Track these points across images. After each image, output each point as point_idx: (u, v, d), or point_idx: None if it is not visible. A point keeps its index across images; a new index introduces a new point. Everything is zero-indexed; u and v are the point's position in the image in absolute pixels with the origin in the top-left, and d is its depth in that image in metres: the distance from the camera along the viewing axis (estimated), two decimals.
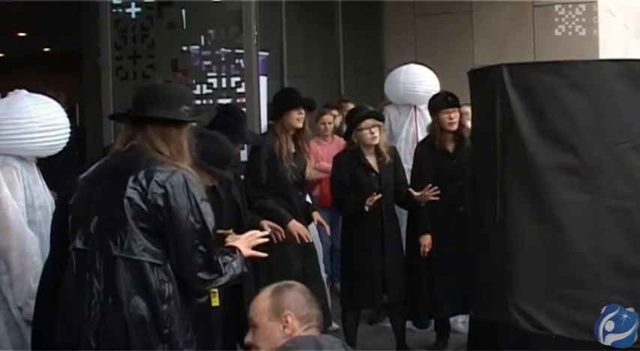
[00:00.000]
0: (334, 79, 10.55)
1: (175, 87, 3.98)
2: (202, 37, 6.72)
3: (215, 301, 4.24)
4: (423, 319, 6.52)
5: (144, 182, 3.38)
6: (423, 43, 11.09)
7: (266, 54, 7.79)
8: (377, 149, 6.22)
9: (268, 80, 7.75)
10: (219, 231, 4.11)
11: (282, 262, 5.53)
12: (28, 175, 4.36)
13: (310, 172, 5.94)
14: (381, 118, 6.40)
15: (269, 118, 6.31)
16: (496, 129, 4.68)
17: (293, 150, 5.80)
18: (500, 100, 4.65)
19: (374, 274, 6.15)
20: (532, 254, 4.56)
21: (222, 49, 6.69)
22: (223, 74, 6.64)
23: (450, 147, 6.41)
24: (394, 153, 6.39)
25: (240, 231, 4.14)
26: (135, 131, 3.55)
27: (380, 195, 5.99)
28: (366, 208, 5.94)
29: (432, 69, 7.92)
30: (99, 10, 6.88)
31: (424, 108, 7.51)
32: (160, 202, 3.37)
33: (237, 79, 6.60)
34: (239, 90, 6.58)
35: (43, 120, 4.37)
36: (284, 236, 5.51)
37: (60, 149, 4.57)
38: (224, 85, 6.63)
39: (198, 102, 6.65)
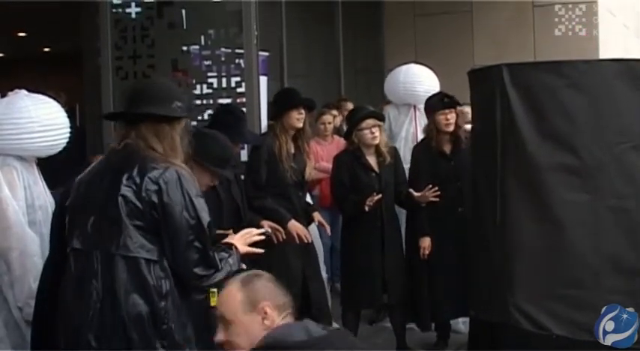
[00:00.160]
0: (334, 79, 10.55)
1: (166, 84, 3.98)
2: (202, 37, 6.71)
3: (214, 301, 4.24)
4: (425, 320, 6.52)
5: (137, 179, 3.40)
6: (423, 43, 11.09)
7: (266, 54, 7.79)
8: (377, 149, 6.22)
9: (268, 80, 7.75)
10: (219, 231, 4.12)
11: (281, 262, 5.53)
12: (28, 176, 4.36)
13: (310, 173, 5.94)
14: (381, 118, 6.40)
15: (269, 118, 6.31)
16: (496, 129, 4.68)
17: (293, 150, 5.80)
18: (500, 100, 4.65)
19: (374, 274, 6.14)
20: (532, 254, 4.56)
21: (223, 49, 6.69)
22: (223, 74, 6.63)
23: (447, 148, 6.40)
24: (395, 153, 6.39)
25: (240, 231, 4.14)
26: (129, 130, 3.57)
27: (380, 195, 5.99)
28: (366, 208, 5.94)
29: (432, 69, 7.92)
30: (99, 10, 6.87)
31: (424, 108, 7.52)
32: (154, 198, 3.39)
33: (238, 79, 6.59)
34: (239, 90, 6.57)
35: (42, 120, 4.37)
36: (284, 236, 5.51)
37: (60, 149, 4.57)
38: (224, 85, 6.63)
39: (198, 102, 6.66)
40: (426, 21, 11.31)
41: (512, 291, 4.57)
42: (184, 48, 6.76)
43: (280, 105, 5.84)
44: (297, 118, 5.73)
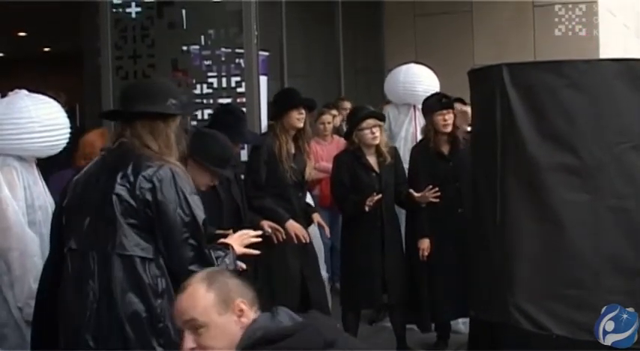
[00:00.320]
0: (334, 79, 10.55)
1: (161, 82, 3.99)
2: (202, 37, 6.71)
3: None
4: (425, 321, 6.52)
5: (131, 178, 3.41)
6: (423, 43, 11.10)
7: (266, 54, 7.79)
8: (378, 149, 6.21)
9: (268, 80, 7.75)
10: (219, 231, 4.12)
11: (280, 262, 5.54)
12: (27, 176, 4.35)
13: (310, 173, 5.93)
14: (382, 118, 6.39)
15: (269, 118, 6.30)
16: (496, 129, 4.68)
17: (293, 150, 5.79)
18: (500, 99, 4.65)
19: (374, 274, 6.14)
20: (532, 254, 4.56)
21: (223, 49, 6.69)
22: (223, 74, 6.63)
23: (445, 149, 6.40)
24: (395, 153, 6.38)
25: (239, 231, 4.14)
26: (124, 128, 3.58)
27: (380, 195, 5.99)
28: (367, 209, 5.94)
29: (432, 69, 7.92)
30: (99, 10, 6.87)
31: None
32: (148, 196, 3.39)
33: (238, 78, 6.59)
34: (239, 90, 6.57)
35: (43, 120, 4.36)
36: (284, 236, 5.51)
37: (60, 149, 4.57)
38: (224, 84, 6.63)
39: (198, 101, 6.66)
40: (426, 21, 11.32)
41: (512, 291, 4.57)
42: (184, 48, 6.76)
43: (280, 105, 5.84)
44: (298, 118, 5.72)
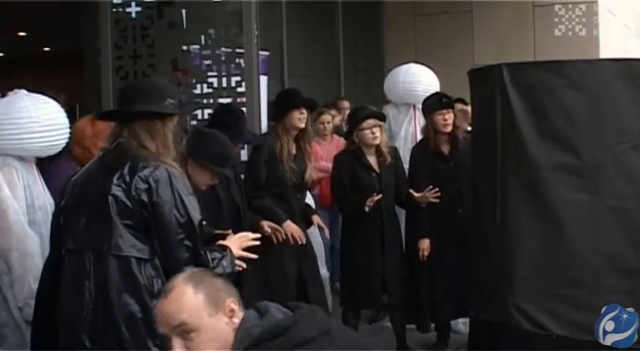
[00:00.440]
0: (334, 79, 10.55)
1: (159, 81, 3.99)
2: (202, 37, 6.70)
3: None
4: (425, 321, 6.52)
5: (127, 178, 3.41)
6: (423, 43, 11.10)
7: (266, 53, 7.79)
8: (378, 149, 6.21)
9: (268, 80, 7.75)
10: (218, 231, 4.12)
11: (278, 263, 5.53)
12: (27, 176, 4.35)
13: (310, 174, 5.93)
14: (382, 118, 6.39)
15: (269, 117, 6.29)
16: (496, 128, 4.68)
17: (294, 151, 5.79)
18: (500, 99, 4.65)
19: (374, 274, 6.14)
20: (532, 254, 4.56)
21: (223, 49, 6.68)
22: (223, 74, 6.63)
23: (445, 149, 6.39)
24: (395, 153, 6.38)
25: (239, 231, 4.13)
26: (121, 128, 3.58)
27: (380, 195, 5.99)
28: (367, 209, 5.94)
29: (433, 69, 7.92)
30: (99, 10, 6.87)
31: None
32: (144, 197, 3.39)
33: (238, 78, 6.59)
34: (239, 89, 6.57)
35: (43, 120, 4.36)
36: (284, 236, 5.51)
37: (60, 149, 4.57)
38: (224, 84, 6.62)
39: (198, 101, 6.66)
40: (426, 21, 11.32)
41: (512, 291, 4.57)
42: (184, 48, 6.76)
43: (282, 105, 5.83)
44: (299, 118, 5.72)
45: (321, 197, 7.68)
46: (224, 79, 6.62)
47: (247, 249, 3.78)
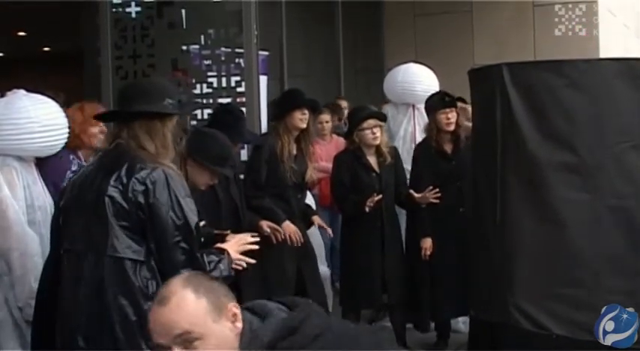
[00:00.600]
0: (334, 78, 10.55)
1: (158, 81, 3.99)
2: (202, 37, 6.70)
3: None
4: (425, 321, 6.51)
5: (124, 180, 3.40)
6: (423, 42, 11.10)
7: (266, 53, 7.78)
8: (378, 149, 6.21)
9: (268, 80, 7.74)
10: (217, 231, 4.11)
11: (277, 263, 5.53)
12: (27, 176, 4.35)
13: (311, 175, 5.92)
14: (383, 119, 6.39)
15: (269, 117, 6.28)
16: (496, 128, 4.68)
17: (294, 151, 5.79)
18: (500, 99, 4.65)
19: (374, 274, 6.14)
20: (532, 254, 4.56)
21: (222, 49, 6.68)
22: (223, 74, 6.63)
23: (448, 148, 6.39)
24: (395, 153, 6.38)
25: (238, 232, 4.13)
26: (121, 128, 3.58)
27: (380, 195, 5.98)
28: (367, 209, 5.94)
29: (432, 69, 7.91)
30: (99, 10, 6.86)
31: (423, 107, 7.51)
32: (141, 199, 3.38)
33: (237, 78, 6.58)
34: (239, 89, 6.57)
35: (42, 120, 4.36)
36: (283, 237, 5.50)
37: (59, 149, 4.57)
38: (224, 84, 6.62)
39: (198, 101, 6.66)
40: (426, 21, 11.31)
41: (512, 290, 4.56)
42: (184, 47, 6.75)
43: (284, 105, 5.83)
44: (301, 118, 5.72)
45: (321, 197, 7.68)
46: (224, 79, 6.61)
47: (246, 252, 3.77)
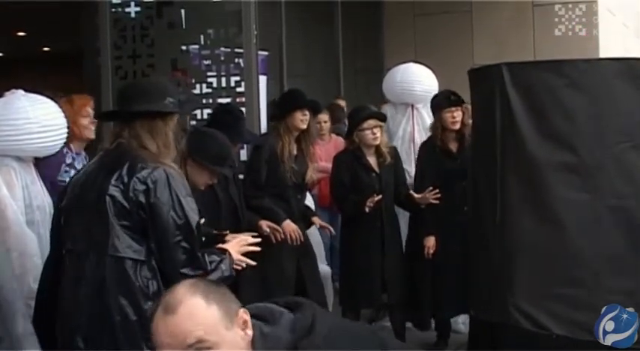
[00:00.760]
0: (334, 78, 10.54)
1: (158, 81, 4.01)
2: (202, 37, 6.70)
3: None
4: (426, 320, 6.51)
5: (125, 179, 3.41)
6: (423, 42, 11.10)
7: (265, 53, 7.78)
8: (378, 149, 6.21)
9: (268, 80, 7.74)
10: (215, 231, 4.11)
11: (276, 263, 5.52)
12: (26, 176, 4.35)
13: (311, 176, 5.92)
14: (383, 119, 6.39)
15: (269, 117, 6.27)
16: (496, 128, 4.67)
17: (295, 152, 5.79)
18: (500, 99, 4.64)
19: (373, 274, 6.14)
20: (532, 254, 4.55)
21: (222, 49, 6.67)
22: (223, 74, 6.62)
23: (453, 146, 6.38)
24: (395, 153, 6.38)
25: (238, 231, 4.13)
26: (122, 128, 3.58)
27: (380, 196, 5.98)
28: (367, 209, 5.94)
29: (432, 69, 7.90)
30: (98, 10, 6.86)
31: (422, 107, 7.51)
32: (142, 198, 3.39)
33: (237, 78, 6.58)
34: (238, 89, 6.56)
35: (41, 121, 4.35)
36: (282, 236, 5.50)
37: (58, 149, 4.57)
38: (223, 84, 6.62)
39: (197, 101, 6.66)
40: (426, 21, 11.32)
41: (512, 290, 4.56)
42: (184, 47, 6.75)
43: (285, 105, 5.84)
44: (301, 119, 5.72)
45: (320, 197, 7.67)
46: (223, 79, 6.61)
47: (246, 253, 3.77)
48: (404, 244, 6.49)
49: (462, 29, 11.06)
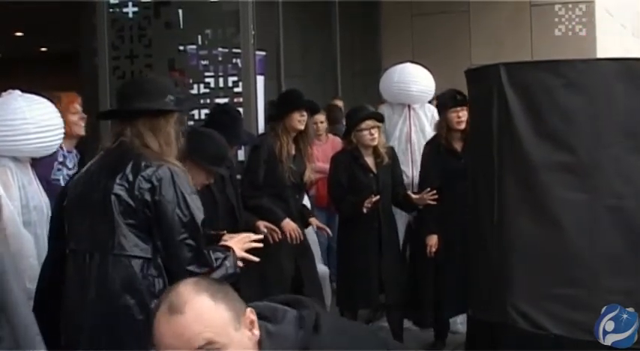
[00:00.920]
0: (331, 79, 10.55)
1: (157, 79, 4.00)
2: (199, 37, 6.70)
3: None
4: (426, 319, 6.51)
5: (130, 178, 3.41)
6: (421, 43, 11.11)
7: (263, 54, 7.78)
8: (375, 150, 6.22)
9: (265, 80, 7.74)
10: (213, 232, 4.11)
11: (274, 263, 5.52)
12: (22, 176, 4.34)
13: (309, 176, 5.93)
14: (381, 119, 6.39)
15: (266, 117, 6.27)
16: (493, 128, 4.67)
17: (293, 152, 5.79)
18: (497, 99, 4.63)
19: (371, 275, 6.14)
20: (530, 254, 4.55)
21: (220, 49, 6.68)
22: (220, 74, 6.63)
23: (458, 146, 6.37)
24: (392, 154, 6.38)
25: (235, 232, 4.13)
26: (124, 127, 3.57)
27: (378, 196, 5.99)
28: (364, 210, 5.94)
29: (429, 69, 7.89)
30: (96, 10, 6.86)
31: (418, 107, 7.51)
32: (147, 197, 3.39)
33: (235, 78, 6.59)
34: (236, 90, 6.57)
35: (37, 121, 4.34)
36: (280, 237, 5.50)
37: (55, 150, 4.56)
38: (221, 84, 6.62)
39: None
40: (424, 21, 11.32)
41: (510, 291, 4.56)
42: (181, 48, 6.75)
43: (283, 106, 5.84)
44: (299, 119, 5.73)
45: (318, 198, 7.67)
46: (221, 79, 6.62)
47: (249, 250, 3.78)
48: (406, 243, 6.50)
49: (459, 29, 11.07)
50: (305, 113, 5.76)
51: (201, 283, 2.20)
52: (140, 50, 6.70)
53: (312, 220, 6.01)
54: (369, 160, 6.22)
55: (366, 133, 6.13)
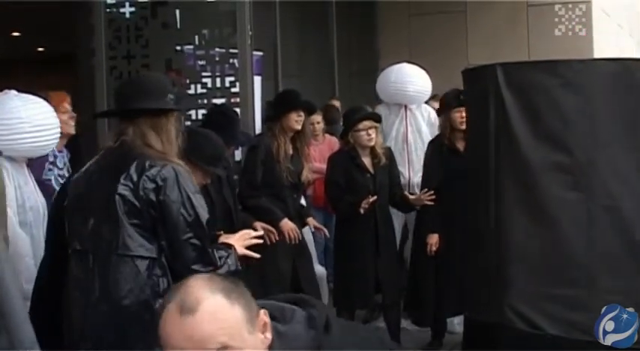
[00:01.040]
0: (328, 79, 10.55)
1: (156, 77, 3.99)
2: (196, 37, 6.70)
3: None
4: (426, 317, 6.51)
5: (135, 178, 3.40)
6: (418, 43, 11.11)
7: (260, 54, 7.78)
8: (372, 150, 6.22)
9: (262, 80, 7.74)
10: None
11: (272, 263, 5.52)
12: (18, 176, 4.34)
13: (307, 175, 5.93)
14: (378, 120, 6.39)
15: (264, 118, 6.27)
16: (490, 128, 4.67)
17: (290, 152, 5.79)
18: (494, 99, 4.63)
19: (368, 275, 6.14)
20: (527, 254, 4.55)
21: (217, 49, 6.67)
22: (217, 74, 6.62)
23: (461, 145, 6.36)
24: (389, 154, 6.39)
25: (232, 233, 4.13)
26: (125, 126, 3.57)
27: (375, 197, 5.99)
28: (362, 211, 5.94)
29: (426, 69, 7.90)
30: (93, 10, 6.85)
31: (415, 108, 7.51)
32: (152, 196, 3.39)
33: (232, 78, 6.59)
34: (233, 90, 6.57)
35: (33, 120, 4.35)
36: (277, 238, 5.50)
37: (50, 149, 4.56)
38: (218, 84, 6.62)
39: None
40: (421, 21, 11.33)
41: (506, 291, 4.56)
42: (178, 48, 6.75)
43: (280, 106, 5.85)
44: (296, 120, 5.73)
45: (315, 198, 7.67)
46: (218, 80, 6.61)
47: (250, 247, 3.79)
48: (403, 243, 6.51)
49: (456, 29, 11.08)
50: (302, 113, 5.76)
51: (215, 280, 2.05)
52: (137, 50, 6.69)
53: (310, 220, 6.01)
54: (367, 161, 6.22)
55: (363, 133, 6.13)
